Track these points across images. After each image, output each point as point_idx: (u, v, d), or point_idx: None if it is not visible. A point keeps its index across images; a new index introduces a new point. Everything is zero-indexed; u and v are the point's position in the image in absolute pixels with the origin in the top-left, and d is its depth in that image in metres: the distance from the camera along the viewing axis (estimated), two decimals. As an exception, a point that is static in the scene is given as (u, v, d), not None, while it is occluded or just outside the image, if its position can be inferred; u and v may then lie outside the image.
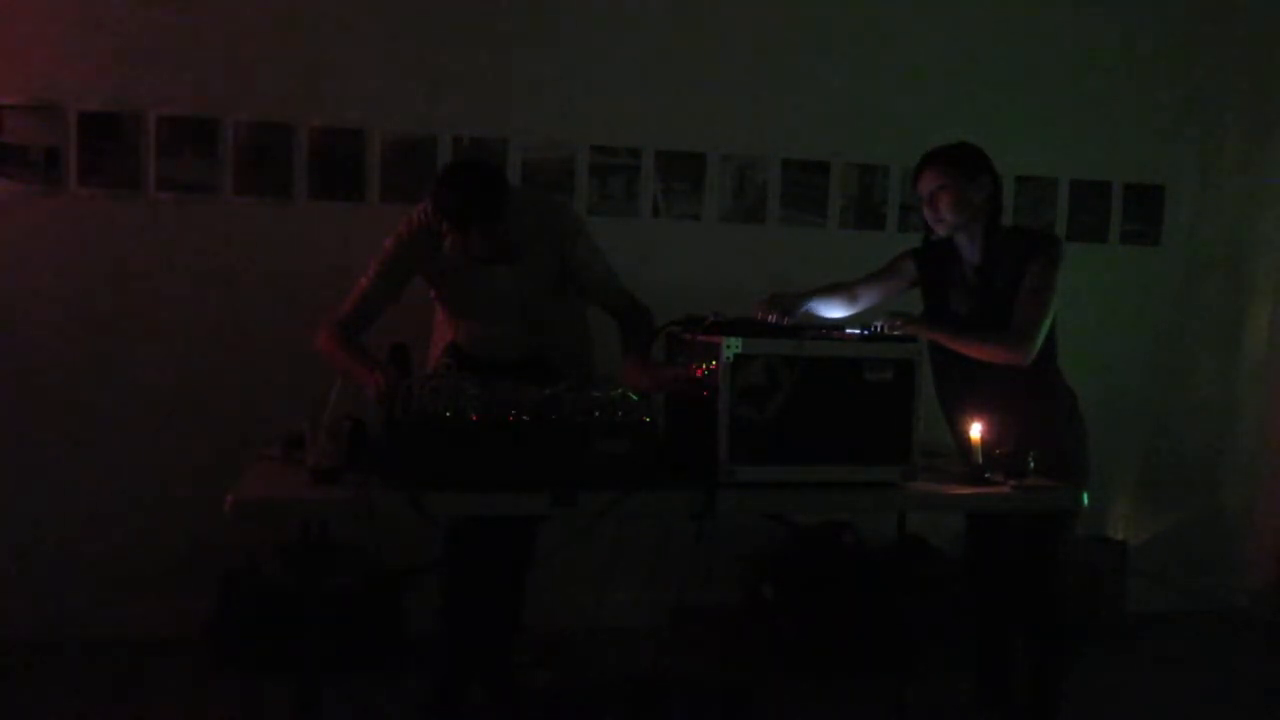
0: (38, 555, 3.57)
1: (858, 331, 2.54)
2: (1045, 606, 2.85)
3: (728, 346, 2.31)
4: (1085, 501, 2.57)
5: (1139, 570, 4.22)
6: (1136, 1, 4.27)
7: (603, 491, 2.20)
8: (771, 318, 2.61)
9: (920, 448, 2.46)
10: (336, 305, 2.78)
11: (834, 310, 2.95)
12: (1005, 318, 2.73)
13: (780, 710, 3.30)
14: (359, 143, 3.70)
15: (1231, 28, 4.36)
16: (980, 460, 2.53)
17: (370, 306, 2.79)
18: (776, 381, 2.34)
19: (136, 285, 3.59)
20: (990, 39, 4.14)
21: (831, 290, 2.95)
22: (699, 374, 2.43)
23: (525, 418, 2.21)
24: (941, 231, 2.83)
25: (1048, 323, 2.72)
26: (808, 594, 3.64)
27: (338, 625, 3.16)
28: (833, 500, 2.47)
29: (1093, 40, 4.24)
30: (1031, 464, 2.52)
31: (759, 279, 3.86)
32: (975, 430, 2.55)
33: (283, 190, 3.66)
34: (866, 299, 2.98)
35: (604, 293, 2.92)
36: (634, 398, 2.32)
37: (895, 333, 2.54)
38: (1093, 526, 4.26)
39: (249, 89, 3.61)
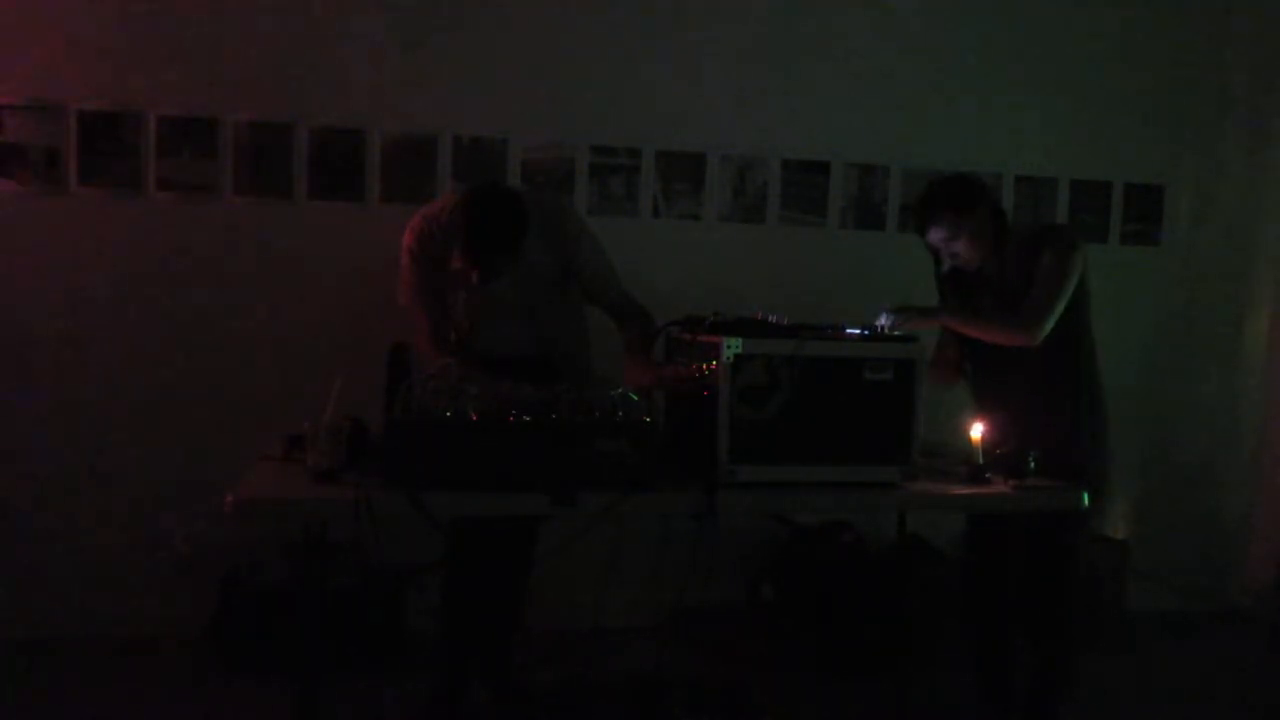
0: (37, 555, 3.57)
1: (858, 331, 2.53)
2: (1054, 615, 2.85)
3: (728, 346, 2.31)
4: (1086, 501, 2.56)
5: (1139, 570, 4.22)
6: (1137, 2, 4.28)
7: (603, 491, 2.20)
8: None
9: (920, 448, 2.46)
10: (411, 332, 2.80)
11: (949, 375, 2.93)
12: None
13: (780, 710, 3.30)
14: (359, 143, 3.70)
15: (1232, 28, 4.36)
16: (980, 460, 2.52)
17: (431, 301, 2.82)
18: (776, 381, 2.34)
19: (136, 285, 3.59)
20: (990, 39, 4.14)
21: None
22: (699, 374, 2.43)
23: (525, 418, 2.21)
24: (971, 269, 2.82)
25: (1060, 306, 2.69)
26: (808, 594, 3.64)
27: (338, 625, 3.16)
28: (833, 500, 2.47)
29: (1093, 40, 4.24)
30: (1032, 464, 2.52)
31: (759, 279, 3.89)
32: (976, 430, 2.55)
33: (283, 190, 3.66)
34: (958, 359, 2.97)
35: (605, 293, 2.93)
36: (634, 398, 2.32)
37: (895, 332, 2.54)
38: (1093, 527, 4.25)
39: (249, 89, 3.61)
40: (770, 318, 2.55)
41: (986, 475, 2.51)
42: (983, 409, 2.84)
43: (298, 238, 3.67)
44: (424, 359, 2.71)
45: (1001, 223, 2.83)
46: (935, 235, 2.79)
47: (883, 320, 2.60)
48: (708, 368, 2.38)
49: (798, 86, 4.00)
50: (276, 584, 3.34)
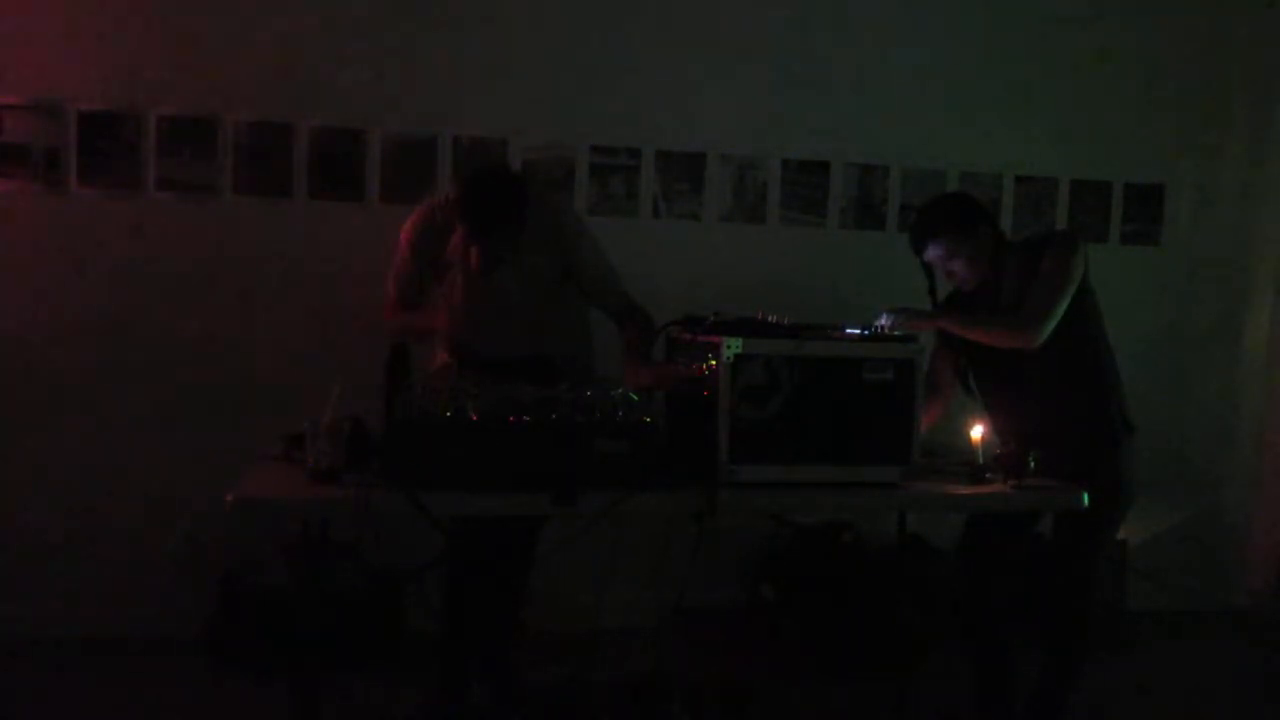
0: (38, 555, 3.57)
1: (858, 331, 2.53)
2: (1072, 619, 2.85)
3: (728, 346, 2.31)
4: (1085, 501, 2.56)
5: (1139, 570, 4.22)
6: (1136, 2, 4.28)
7: (603, 491, 2.20)
8: None
9: (920, 448, 2.46)
10: (368, 307, 2.93)
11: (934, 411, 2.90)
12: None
13: (780, 710, 3.30)
14: (359, 143, 3.70)
15: (1232, 27, 4.36)
16: (980, 460, 2.52)
17: (408, 285, 2.91)
18: (776, 381, 2.34)
19: (136, 285, 3.59)
20: (991, 40, 4.14)
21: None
22: (699, 374, 2.43)
23: (525, 418, 2.21)
24: (969, 288, 2.81)
25: (1061, 307, 2.68)
26: (808, 594, 3.64)
27: (338, 625, 3.15)
28: (833, 500, 2.47)
29: (1093, 41, 4.24)
30: (1032, 464, 2.51)
31: (759, 279, 3.88)
32: (976, 430, 2.55)
33: (283, 190, 3.66)
34: (949, 387, 2.96)
35: (604, 294, 2.93)
36: (634, 398, 2.32)
37: (895, 332, 2.54)
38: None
39: (249, 89, 3.61)
40: (770, 318, 2.55)
41: (986, 475, 2.51)
42: (1001, 424, 2.82)
43: (298, 238, 3.67)
44: (387, 328, 2.80)
45: (999, 242, 2.83)
46: (933, 253, 2.79)
47: (882, 320, 2.60)
48: (708, 368, 2.38)
49: (798, 86, 4.00)
50: (276, 584, 3.34)
